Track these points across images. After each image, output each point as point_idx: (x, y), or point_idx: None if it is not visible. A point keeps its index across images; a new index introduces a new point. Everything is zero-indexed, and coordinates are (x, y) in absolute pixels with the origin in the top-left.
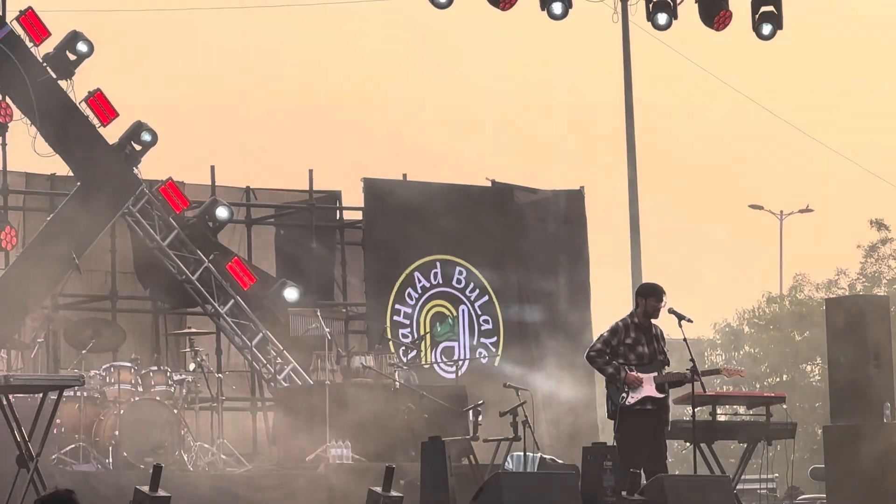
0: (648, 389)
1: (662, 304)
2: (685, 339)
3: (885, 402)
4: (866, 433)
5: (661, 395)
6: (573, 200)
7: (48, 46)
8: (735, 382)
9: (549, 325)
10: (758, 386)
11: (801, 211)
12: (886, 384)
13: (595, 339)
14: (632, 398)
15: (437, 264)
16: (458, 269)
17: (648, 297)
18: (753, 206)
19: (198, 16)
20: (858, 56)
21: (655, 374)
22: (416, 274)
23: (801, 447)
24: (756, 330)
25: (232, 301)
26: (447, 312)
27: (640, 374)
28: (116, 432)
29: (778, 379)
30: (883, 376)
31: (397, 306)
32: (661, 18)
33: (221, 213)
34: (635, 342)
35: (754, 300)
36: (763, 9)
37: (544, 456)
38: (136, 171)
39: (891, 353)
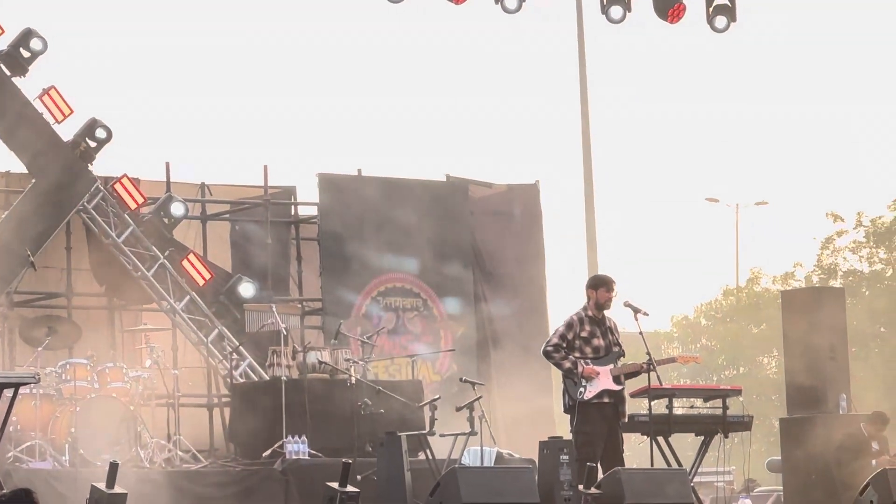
0: (605, 382)
1: (613, 294)
2: (641, 333)
3: (841, 393)
4: (822, 425)
5: (618, 388)
6: (529, 194)
7: (2, 43)
8: (692, 375)
9: (506, 319)
10: (714, 378)
11: (757, 204)
12: (842, 376)
13: (551, 334)
14: (589, 392)
15: (394, 259)
16: (413, 263)
17: (598, 288)
18: (710, 199)
19: (153, 12)
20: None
21: (612, 366)
22: (373, 268)
23: (758, 439)
24: (713, 322)
25: (188, 297)
26: (403, 306)
27: (596, 368)
28: (73, 429)
29: (734, 371)
30: (838, 368)
31: (354, 301)
32: (616, 12)
33: (176, 209)
34: (590, 335)
35: (711, 293)
36: (717, 2)
37: (500, 450)
38: (90, 167)
39: (846, 345)
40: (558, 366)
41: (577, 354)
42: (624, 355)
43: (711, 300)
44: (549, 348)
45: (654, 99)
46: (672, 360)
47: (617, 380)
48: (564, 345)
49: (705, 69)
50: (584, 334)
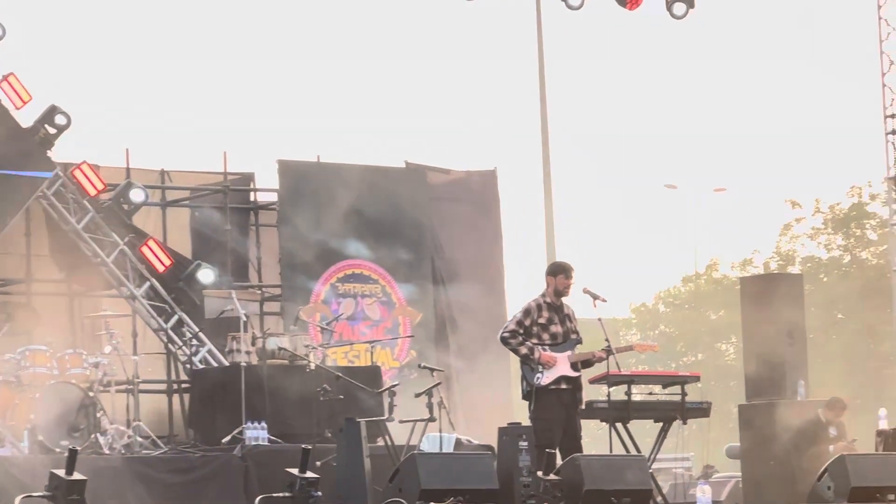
0: (563, 369)
1: (572, 280)
2: (600, 319)
3: (799, 380)
4: (780, 411)
5: (576, 374)
6: (487, 181)
7: None
8: (650, 362)
9: (464, 306)
10: (673, 365)
11: (716, 190)
12: (800, 362)
13: (508, 319)
14: (546, 378)
15: (353, 245)
16: (373, 249)
17: (557, 274)
18: (668, 186)
19: None
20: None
21: (569, 353)
22: (333, 255)
23: (716, 426)
24: (671, 309)
25: (147, 283)
26: (362, 293)
27: (554, 354)
28: (32, 416)
29: (693, 358)
30: (797, 354)
31: (313, 287)
32: None
33: (136, 195)
34: (548, 322)
35: (670, 280)
36: None
37: (459, 436)
38: (50, 154)
39: (804, 332)
40: (515, 351)
41: (535, 341)
42: (581, 342)
43: (670, 287)
44: (506, 334)
45: (613, 85)
46: (629, 348)
47: (574, 366)
48: (521, 331)
49: (664, 56)
50: (541, 321)
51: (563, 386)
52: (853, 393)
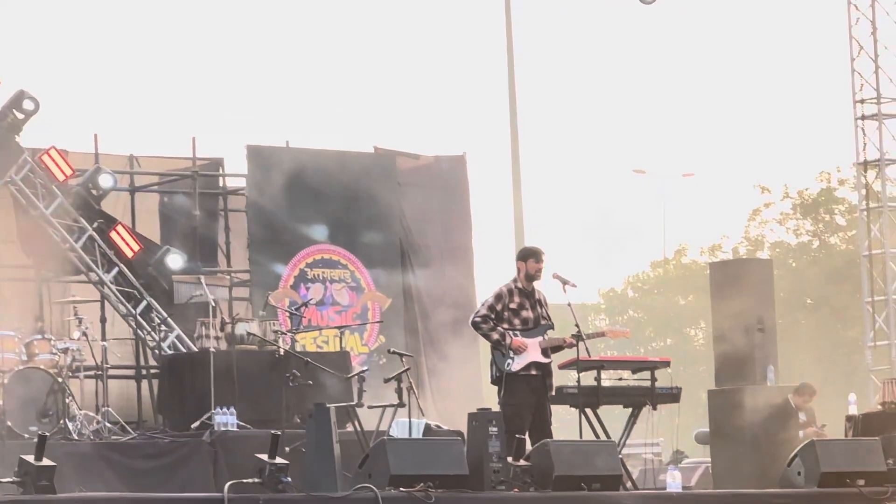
0: (534, 354)
1: (542, 265)
2: (570, 304)
3: (769, 365)
4: (750, 397)
5: (546, 360)
6: (456, 166)
7: None
8: (619, 347)
9: (433, 291)
10: (642, 350)
11: (684, 175)
12: (770, 348)
13: (480, 304)
14: (517, 364)
15: (323, 231)
16: (342, 234)
17: (528, 259)
18: (637, 171)
19: None
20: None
21: (540, 338)
22: (302, 240)
23: (685, 411)
24: (640, 294)
25: (116, 269)
26: (332, 278)
27: (525, 340)
28: (1, 402)
29: (662, 343)
30: (766, 340)
31: (282, 272)
32: None
33: (105, 180)
34: (520, 307)
35: (639, 265)
36: None
37: (429, 422)
38: (18, 139)
39: (774, 317)
40: (486, 337)
41: (506, 326)
42: (553, 328)
43: (639, 272)
44: (478, 319)
45: (582, 70)
46: (601, 334)
47: (545, 352)
48: (493, 316)
49: (633, 41)
50: (513, 306)
51: (534, 372)
52: (822, 378)
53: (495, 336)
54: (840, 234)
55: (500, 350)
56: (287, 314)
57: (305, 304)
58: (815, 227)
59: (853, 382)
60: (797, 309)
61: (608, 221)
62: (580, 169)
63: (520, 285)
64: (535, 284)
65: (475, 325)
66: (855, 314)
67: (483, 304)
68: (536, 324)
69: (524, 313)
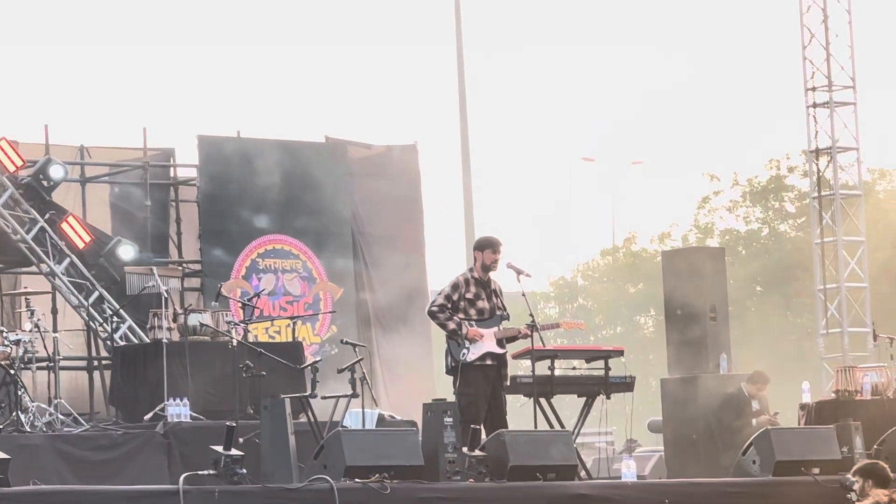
0: (489, 345)
1: (499, 255)
2: (524, 294)
3: (722, 353)
4: (703, 385)
5: (502, 351)
6: (407, 155)
7: None
8: (570, 336)
9: (385, 281)
10: (592, 339)
11: (633, 163)
12: (723, 336)
13: (437, 294)
14: (472, 354)
15: (271, 218)
16: (292, 222)
17: (485, 249)
18: (586, 159)
19: None
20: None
21: (496, 329)
22: (253, 230)
23: (636, 399)
24: (590, 282)
25: (67, 260)
26: (282, 268)
27: (480, 330)
28: None
29: (612, 331)
30: (719, 328)
31: (233, 262)
32: None
33: (55, 171)
34: (475, 297)
35: (588, 253)
36: None
37: (382, 412)
38: None
39: (727, 305)
40: (443, 326)
41: (462, 316)
42: (508, 318)
43: (588, 260)
44: (434, 308)
45: (531, 59)
46: (556, 325)
47: (500, 342)
48: (449, 305)
49: (581, 26)
50: (469, 296)
51: (489, 362)
52: (772, 366)
53: (451, 326)
54: (790, 222)
55: (456, 340)
56: (239, 305)
57: (257, 295)
58: (765, 214)
59: (804, 370)
60: (747, 297)
61: (557, 209)
62: (529, 157)
63: (476, 275)
64: (491, 275)
65: (431, 315)
66: (804, 301)
67: (439, 294)
68: (492, 314)
69: (480, 303)
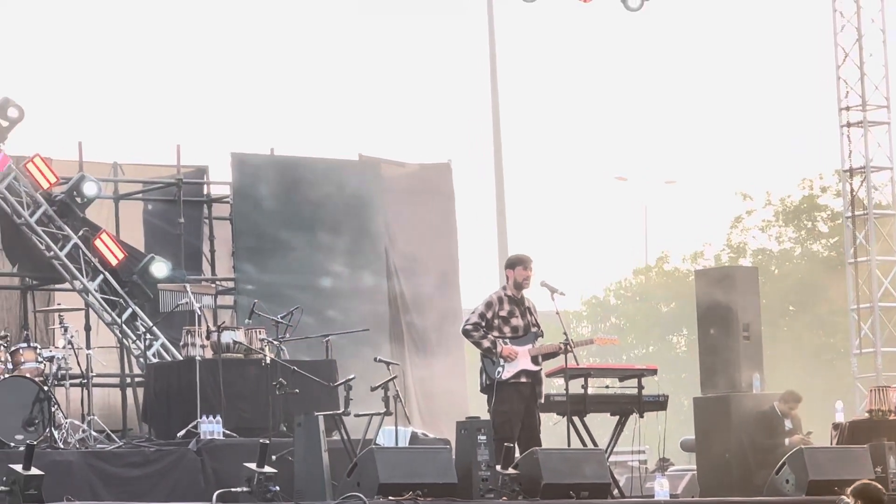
0: (524, 363)
1: (530, 272)
2: (557, 312)
3: (755, 372)
4: (736, 404)
5: (536, 368)
6: (441, 174)
7: None
8: (602, 354)
9: (418, 298)
10: (624, 357)
11: (666, 182)
12: (755, 355)
13: (471, 312)
14: (507, 372)
15: (306, 237)
16: (326, 242)
17: (516, 266)
18: (619, 178)
19: None
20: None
21: (530, 346)
22: (286, 247)
23: (669, 418)
24: (622, 301)
25: (101, 277)
26: (315, 286)
27: (515, 348)
28: None
29: (644, 350)
30: (752, 347)
31: (266, 280)
32: None
33: (89, 188)
34: (509, 315)
35: (621, 272)
36: None
37: (415, 430)
38: (3, 147)
39: (760, 325)
40: (477, 345)
41: (496, 334)
42: (542, 335)
43: (621, 279)
44: (469, 327)
45: (565, 77)
46: (590, 341)
47: (535, 360)
48: (483, 324)
49: (616, 47)
50: (503, 313)
51: (524, 380)
52: (804, 385)
53: (486, 344)
54: (822, 242)
55: (491, 358)
56: (273, 322)
57: (291, 313)
58: (798, 234)
59: (836, 389)
60: (780, 316)
61: (590, 228)
62: (563, 176)
63: (509, 293)
64: (525, 292)
65: (466, 333)
66: (837, 321)
67: (474, 312)
68: (526, 331)
69: (514, 321)
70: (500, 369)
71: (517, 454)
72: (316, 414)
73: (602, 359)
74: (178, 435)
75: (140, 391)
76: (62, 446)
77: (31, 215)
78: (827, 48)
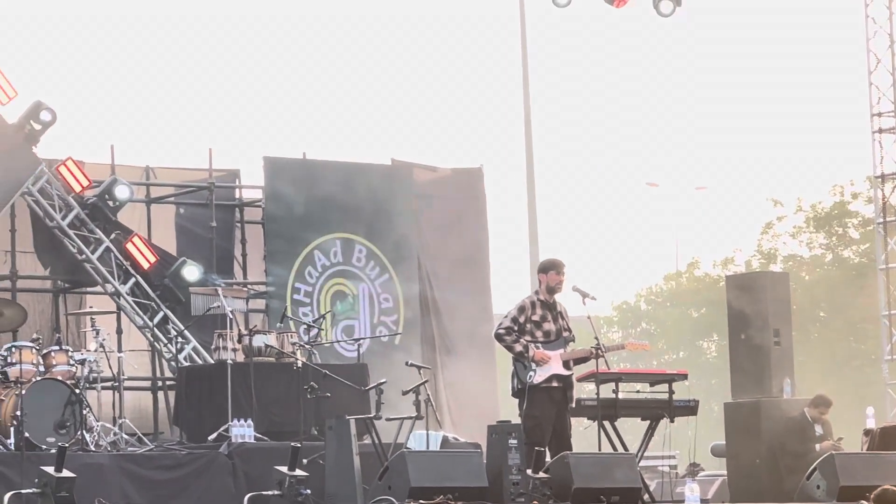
0: (555, 367)
1: (563, 277)
2: (589, 317)
3: (786, 377)
4: (767, 409)
5: (568, 373)
6: (473, 178)
7: None
8: (632, 360)
9: (450, 303)
10: (655, 363)
11: (697, 188)
12: (786, 360)
13: (503, 317)
14: (539, 376)
15: (337, 242)
16: (357, 247)
17: (549, 271)
18: (650, 184)
19: None
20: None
21: (562, 351)
22: (316, 252)
23: (699, 423)
24: (653, 307)
25: (132, 280)
26: (347, 291)
27: (547, 352)
28: (18, 413)
29: (675, 356)
30: (783, 352)
31: (297, 285)
32: None
33: (121, 192)
34: (541, 319)
35: (651, 277)
36: None
37: (446, 434)
38: (35, 150)
39: (790, 330)
40: (510, 349)
41: (528, 338)
42: (574, 340)
43: (652, 285)
44: (501, 331)
45: (597, 83)
46: (621, 346)
47: (566, 365)
48: (516, 328)
49: (648, 53)
50: (535, 318)
51: (555, 384)
52: (834, 391)
53: (518, 348)
54: (853, 248)
55: (522, 362)
56: (304, 326)
57: (322, 316)
58: (829, 240)
59: (866, 396)
60: (810, 322)
61: (621, 234)
62: (594, 182)
63: (541, 297)
64: (556, 297)
65: (498, 338)
66: (867, 327)
67: (506, 317)
68: (558, 336)
69: (546, 325)
70: (531, 373)
71: (548, 458)
72: (347, 417)
73: (632, 364)
74: (210, 438)
75: (171, 394)
76: (94, 449)
77: (64, 218)
78: (859, 54)
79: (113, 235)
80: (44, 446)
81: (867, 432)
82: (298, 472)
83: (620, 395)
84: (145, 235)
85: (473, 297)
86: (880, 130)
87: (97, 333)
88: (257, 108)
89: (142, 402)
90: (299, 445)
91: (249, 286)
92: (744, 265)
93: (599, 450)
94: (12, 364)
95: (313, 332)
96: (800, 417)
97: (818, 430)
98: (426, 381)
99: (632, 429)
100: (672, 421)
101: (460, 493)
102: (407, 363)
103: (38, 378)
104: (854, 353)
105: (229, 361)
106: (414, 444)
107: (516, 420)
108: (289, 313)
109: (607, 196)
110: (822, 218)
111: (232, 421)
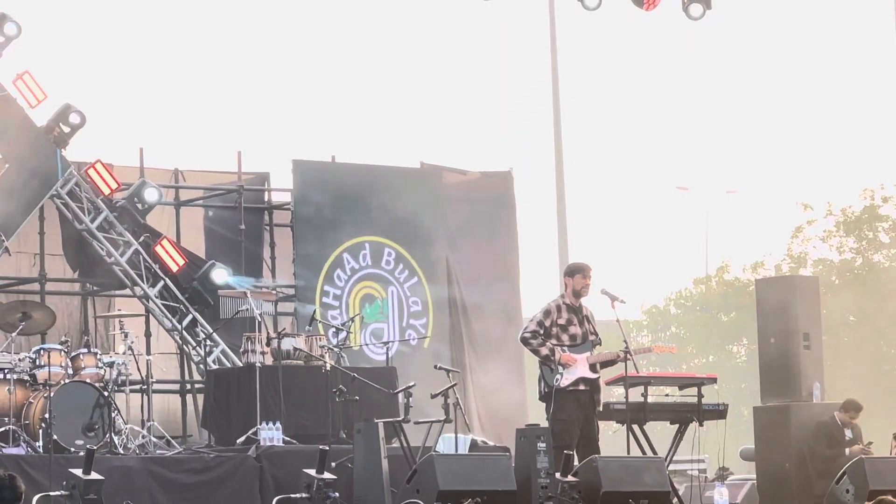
0: (582, 370)
1: (589, 280)
2: (618, 321)
3: (815, 381)
4: (796, 413)
5: (594, 376)
6: (502, 182)
7: None
8: (661, 363)
9: (479, 307)
10: (684, 367)
11: (728, 192)
12: (816, 364)
13: (529, 320)
14: (566, 379)
15: (366, 245)
16: (386, 250)
17: (575, 275)
18: (680, 188)
19: None
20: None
21: (588, 354)
22: (345, 255)
23: (729, 427)
24: (683, 311)
25: (161, 283)
26: (376, 294)
27: (573, 355)
28: (46, 415)
29: (704, 360)
30: (813, 356)
31: (326, 288)
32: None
33: (150, 194)
34: (568, 323)
35: (681, 282)
36: None
37: (475, 437)
38: (64, 152)
39: (820, 334)
40: (536, 352)
41: (554, 342)
42: (600, 343)
43: (681, 289)
44: (527, 335)
45: (626, 86)
46: (648, 349)
47: (593, 368)
48: (542, 331)
49: (677, 56)
50: (561, 321)
51: (582, 387)
52: (865, 396)
53: (544, 351)
54: (884, 252)
55: (549, 366)
56: (332, 329)
57: (352, 319)
58: (859, 244)
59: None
60: (839, 326)
61: (650, 238)
62: (624, 185)
63: (567, 301)
64: (583, 300)
65: (524, 341)
66: None
67: (532, 320)
68: (584, 339)
69: (572, 329)
70: (558, 377)
71: (576, 462)
72: (376, 421)
73: (662, 368)
74: (238, 441)
75: (200, 397)
76: (122, 452)
77: (92, 221)
78: (890, 56)
79: (142, 238)
80: (72, 449)
81: None
82: (327, 475)
83: (649, 399)
84: (174, 238)
85: (503, 300)
86: None
87: (126, 336)
88: (286, 110)
89: (170, 405)
90: (328, 448)
91: (278, 289)
92: (773, 269)
93: (628, 453)
94: (41, 367)
95: (342, 335)
96: (829, 422)
97: (848, 434)
98: (455, 385)
99: (661, 433)
100: (701, 425)
101: (489, 497)
102: (436, 366)
103: (67, 381)
104: (885, 358)
105: (258, 364)
106: (442, 448)
107: (545, 424)
108: (318, 316)
109: (637, 199)
110: (853, 222)
111: (260, 424)
